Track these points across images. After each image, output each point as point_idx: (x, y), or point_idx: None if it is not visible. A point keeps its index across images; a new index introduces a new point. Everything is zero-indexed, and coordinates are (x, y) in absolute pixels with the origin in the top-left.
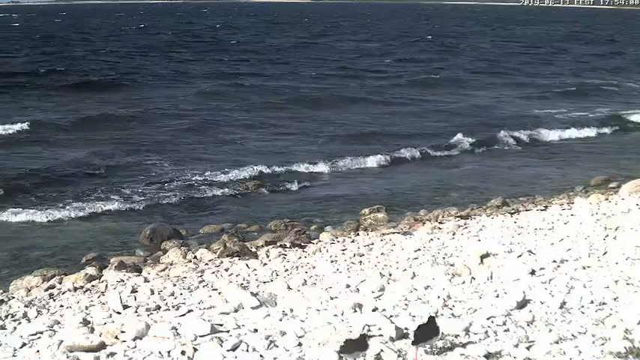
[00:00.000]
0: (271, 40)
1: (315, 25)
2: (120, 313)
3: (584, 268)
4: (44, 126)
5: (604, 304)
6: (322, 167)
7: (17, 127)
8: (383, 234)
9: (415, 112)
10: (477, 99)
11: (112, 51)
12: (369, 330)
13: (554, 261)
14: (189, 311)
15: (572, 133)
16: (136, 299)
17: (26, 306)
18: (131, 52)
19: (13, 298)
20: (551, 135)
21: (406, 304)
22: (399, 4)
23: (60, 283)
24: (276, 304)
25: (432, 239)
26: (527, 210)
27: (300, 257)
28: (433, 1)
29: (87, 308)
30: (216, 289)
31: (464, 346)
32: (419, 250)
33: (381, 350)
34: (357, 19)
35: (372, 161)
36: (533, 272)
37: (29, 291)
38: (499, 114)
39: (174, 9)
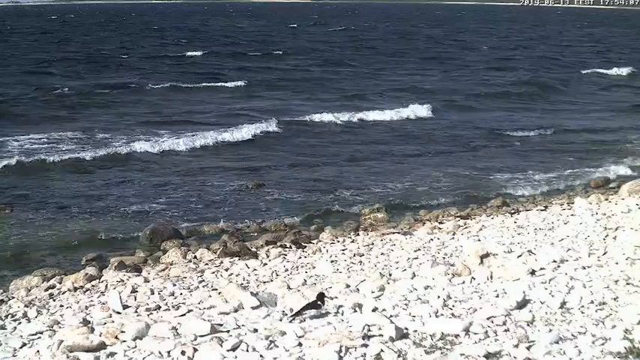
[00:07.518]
0: None
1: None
2: (120, 313)
3: (584, 268)
4: None
5: (604, 304)
6: (322, 167)
7: None
8: (383, 234)
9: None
10: None
11: None
12: (369, 330)
13: (554, 261)
14: (189, 311)
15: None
16: (136, 299)
17: (26, 306)
18: None
19: (13, 298)
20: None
21: (406, 304)
22: (401, 4)
23: (60, 283)
24: (276, 304)
25: (432, 239)
26: (527, 210)
27: (300, 257)
28: (432, 1)
29: (87, 308)
30: (216, 289)
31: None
32: (419, 250)
33: (381, 350)
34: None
35: (371, 161)
36: (533, 272)
37: (29, 291)
38: (500, 114)
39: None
